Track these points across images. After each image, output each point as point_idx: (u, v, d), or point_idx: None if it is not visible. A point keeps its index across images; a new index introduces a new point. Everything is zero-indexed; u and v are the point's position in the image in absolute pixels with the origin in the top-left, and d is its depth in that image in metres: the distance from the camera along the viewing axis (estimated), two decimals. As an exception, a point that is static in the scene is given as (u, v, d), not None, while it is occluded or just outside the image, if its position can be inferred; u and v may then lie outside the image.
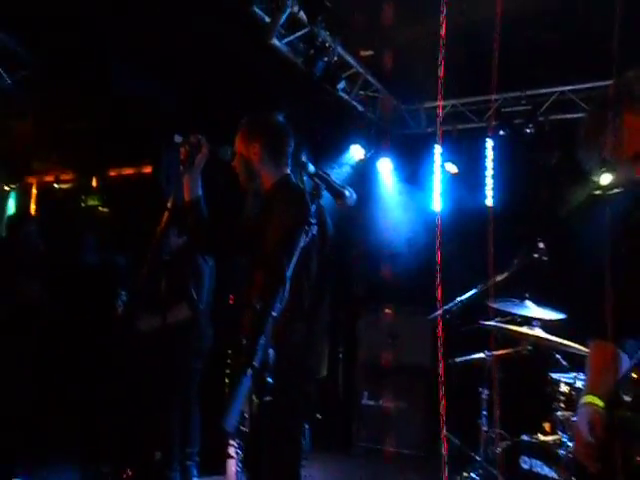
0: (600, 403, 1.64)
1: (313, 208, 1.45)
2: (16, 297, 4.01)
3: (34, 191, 8.29)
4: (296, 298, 1.92)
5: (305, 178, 1.60)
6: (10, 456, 3.53)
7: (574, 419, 1.68)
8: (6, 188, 8.12)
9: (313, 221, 1.38)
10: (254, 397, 1.07)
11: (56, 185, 7.89)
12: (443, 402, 2.03)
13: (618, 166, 1.58)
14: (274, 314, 1.13)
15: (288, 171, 2.33)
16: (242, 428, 1.55)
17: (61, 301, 4.78)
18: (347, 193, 1.68)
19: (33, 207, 8.22)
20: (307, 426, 2.18)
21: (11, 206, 8.12)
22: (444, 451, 2.15)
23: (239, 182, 2.39)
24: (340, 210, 2.05)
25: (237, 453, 1.80)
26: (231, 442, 1.68)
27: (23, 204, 8.08)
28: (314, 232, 1.37)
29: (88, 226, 6.75)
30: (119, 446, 4.04)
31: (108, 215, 7.02)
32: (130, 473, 4.00)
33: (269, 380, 1.13)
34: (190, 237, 2.57)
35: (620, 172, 1.59)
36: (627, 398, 1.70)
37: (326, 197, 1.69)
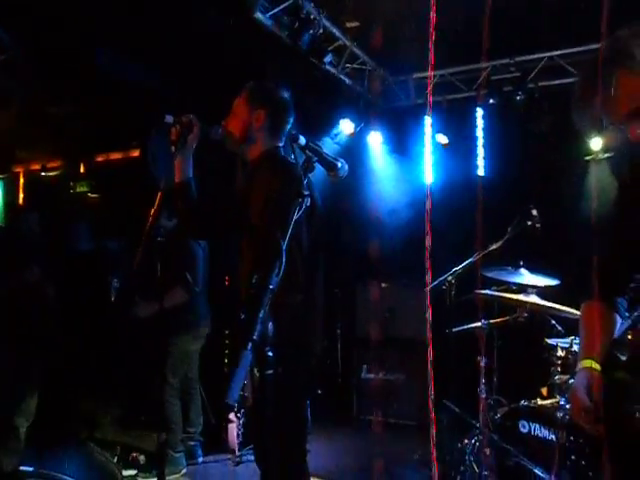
0: (597, 366, 1.64)
1: (305, 180, 1.43)
2: (16, 280, 3.98)
3: (21, 180, 8.19)
4: (290, 270, 1.92)
5: (297, 151, 1.58)
6: (17, 438, 3.54)
7: (571, 382, 1.69)
8: (-7, 178, 8.01)
9: (306, 193, 1.36)
10: (256, 371, 1.07)
11: (43, 173, 7.79)
12: (431, 372, 2.06)
13: (611, 126, 1.56)
14: (271, 287, 1.13)
15: (280, 144, 2.31)
16: (244, 394, 1.55)
17: (56, 288, 4.75)
18: (339, 164, 1.66)
19: (21, 196, 8.13)
20: (308, 401, 2.19)
21: (-1, 197, 8.03)
22: (431, 421, 2.18)
23: (227, 152, 2.34)
24: (332, 185, 2.03)
25: (237, 417, 1.80)
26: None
27: (11, 194, 7.99)
28: (307, 204, 1.36)
29: (78, 213, 6.69)
30: (124, 429, 4.07)
31: (98, 201, 6.96)
32: (135, 455, 4.05)
33: (269, 354, 1.13)
34: (179, 219, 2.53)
35: (613, 133, 1.58)
36: (623, 358, 1.72)
37: (316, 170, 1.67)
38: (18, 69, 4.04)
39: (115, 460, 3.98)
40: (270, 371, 1.15)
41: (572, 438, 2.34)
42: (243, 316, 1.03)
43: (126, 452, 4.03)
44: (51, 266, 4.46)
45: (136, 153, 6.67)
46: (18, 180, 8.21)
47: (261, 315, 1.03)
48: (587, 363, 1.66)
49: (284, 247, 1.21)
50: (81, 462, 3.26)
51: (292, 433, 2.09)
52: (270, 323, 1.11)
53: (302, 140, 1.59)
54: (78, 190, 7.08)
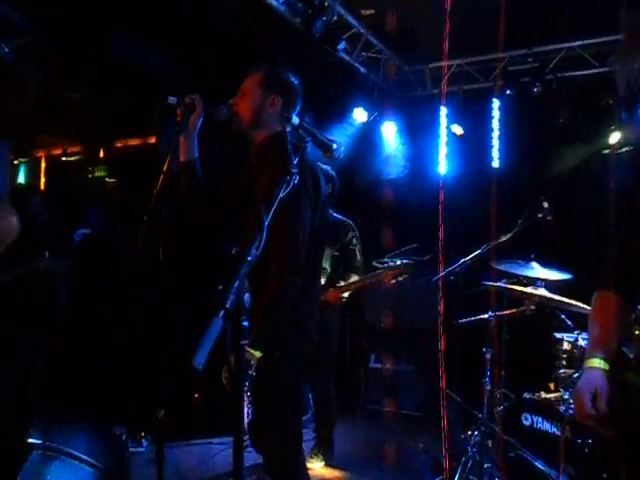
0: (606, 367, 1.53)
1: (296, 159, 1.43)
2: (26, 266, 4.06)
3: (43, 164, 8.35)
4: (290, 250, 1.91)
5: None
6: (26, 413, 3.62)
7: (576, 377, 1.59)
8: (15, 162, 8.18)
9: (294, 171, 1.37)
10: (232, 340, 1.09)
11: (64, 158, 7.93)
12: (441, 362, 2.03)
13: None
14: (249, 258, 1.14)
15: (287, 130, 2.30)
16: (251, 373, 1.59)
17: (72, 271, 4.84)
18: (335, 146, 1.66)
19: (43, 180, 8.29)
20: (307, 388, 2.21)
21: (21, 180, 8.19)
22: (442, 413, 2.17)
23: (236, 134, 2.32)
24: (345, 173, 2.00)
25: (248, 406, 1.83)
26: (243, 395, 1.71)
27: (32, 177, 8.15)
28: (295, 182, 1.36)
29: (95, 197, 6.80)
30: (130, 408, 4.14)
31: (115, 186, 7.07)
32: (143, 434, 4.13)
33: (245, 324, 1.14)
34: (181, 200, 2.53)
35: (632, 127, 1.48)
36: (630, 355, 1.56)
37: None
38: (35, 53, 4.10)
39: (124, 437, 4.07)
40: (245, 341, 1.17)
41: (574, 433, 2.31)
42: (220, 287, 1.06)
43: (134, 431, 4.11)
44: (64, 248, 4.54)
45: (153, 139, 6.73)
46: (40, 164, 8.37)
47: (236, 285, 1.05)
48: (595, 363, 1.53)
49: (266, 223, 1.22)
50: (88, 436, 3.33)
51: (288, 416, 2.11)
52: (247, 294, 1.12)
53: (295, 120, 1.59)
54: (96, 175, 7.19)
